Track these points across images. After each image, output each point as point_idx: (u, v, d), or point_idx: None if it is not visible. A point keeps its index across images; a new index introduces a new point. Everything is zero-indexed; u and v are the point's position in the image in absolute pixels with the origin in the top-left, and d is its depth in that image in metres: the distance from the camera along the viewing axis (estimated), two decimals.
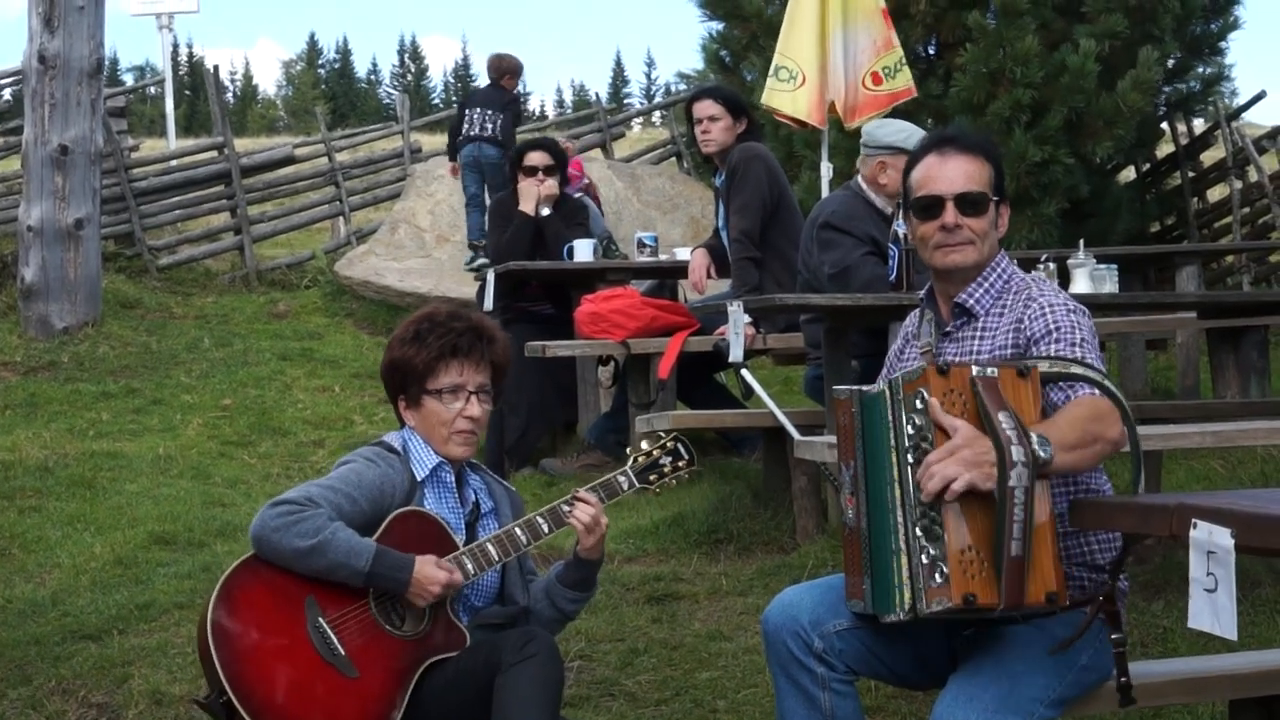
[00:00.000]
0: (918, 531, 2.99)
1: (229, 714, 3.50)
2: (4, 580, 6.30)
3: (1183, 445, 5.18)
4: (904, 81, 7.86)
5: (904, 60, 7.99)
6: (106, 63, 13.24)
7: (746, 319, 6.36)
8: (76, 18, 12.12)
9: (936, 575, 2.94)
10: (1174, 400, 7.14)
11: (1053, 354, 3.19)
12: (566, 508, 3.80)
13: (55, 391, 10.80)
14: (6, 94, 15.46)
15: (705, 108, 7.34)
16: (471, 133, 13.65)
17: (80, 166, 12.26)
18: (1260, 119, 14.65)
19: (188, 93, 29.04)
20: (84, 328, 12.15)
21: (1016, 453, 2.89)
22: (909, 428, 3.04)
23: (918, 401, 3.04)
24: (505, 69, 14.03)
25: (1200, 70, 12.22)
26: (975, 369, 3.06)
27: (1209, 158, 13.87)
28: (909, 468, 3.00)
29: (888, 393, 3.12)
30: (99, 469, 8.42)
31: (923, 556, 2.96)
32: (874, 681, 3.72)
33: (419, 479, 3.82)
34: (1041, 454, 2.89)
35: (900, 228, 5.47)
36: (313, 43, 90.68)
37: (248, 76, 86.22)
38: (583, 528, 3.72)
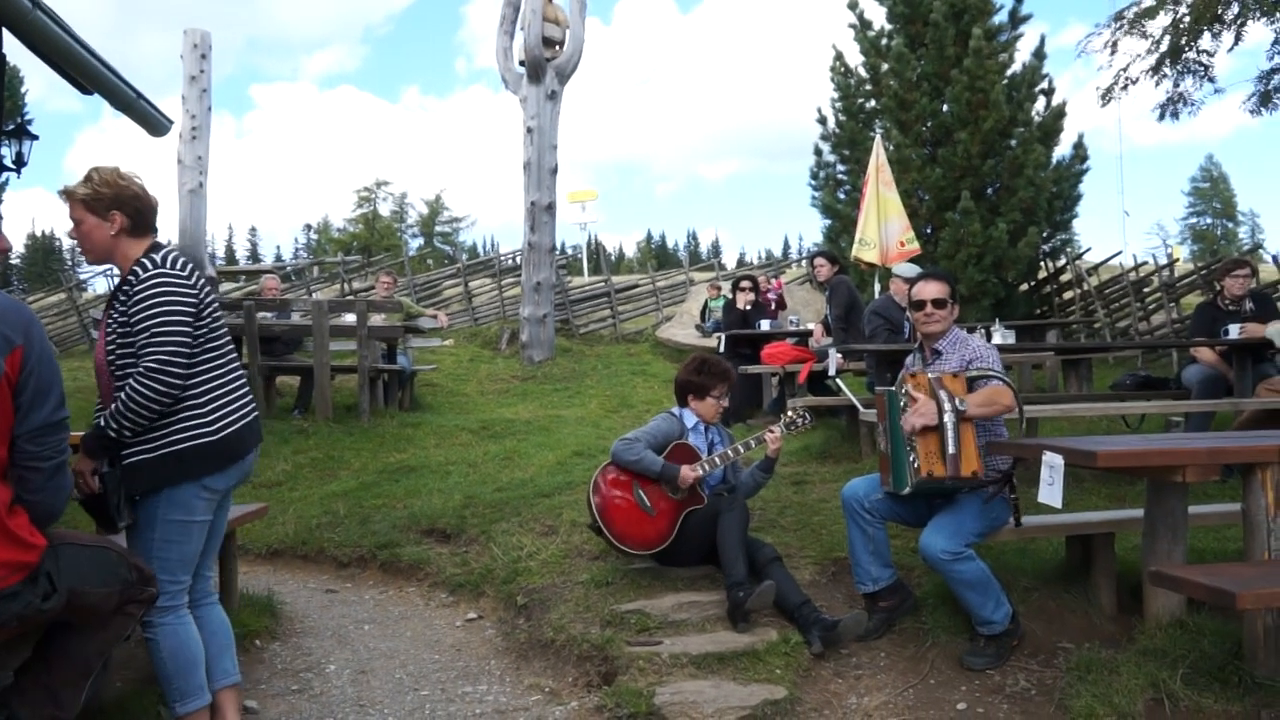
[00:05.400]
0: (908, 449, 3.48)
1: (599, 531, 4.22)
2: (509, 470, 7.09)
3: (1046, 415, 5.52)
4: (915, 245, 9.00)
5: (914, 235, 9.15)
6: (557, 244, 15.10)
7: (839, 356, 7.21)
8: (544, 225, 14.09)
9: (917, 465, 3.44)
10: (1044, 392, 7.60)
11: (978, 368, 3.66)
12: (762, 436, 4.36)
13: (534, 389, 12.42)
14: (516, 259, 18.01)
15: (820, 261, 8.61)
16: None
17: (545, 290, 14.13)
18: (1093, 258, 15.66)
19: (594, 255, 35.22)
20: (546, 361, 13.93)
21: (947, 405, 3.39)
22: (902, 402, 3.55)
23: (904, 390, 3.54)
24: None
25: (1059, 235, 13.76)
26: (930, 374, 3.55)
27: (1064, 279, 14.84)
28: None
29: (896, 388, 3.63)
30: (551, 422, 9.50)
31: (910, 459, 3.46)
32: (893, 523, 3.91)
33: (688, 428, 4.42)
34: (960, 406, 3.38)
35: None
36: (649, 235, 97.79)
37: (621, 248, 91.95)
38: (772, 444, 4.35)
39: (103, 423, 2.68)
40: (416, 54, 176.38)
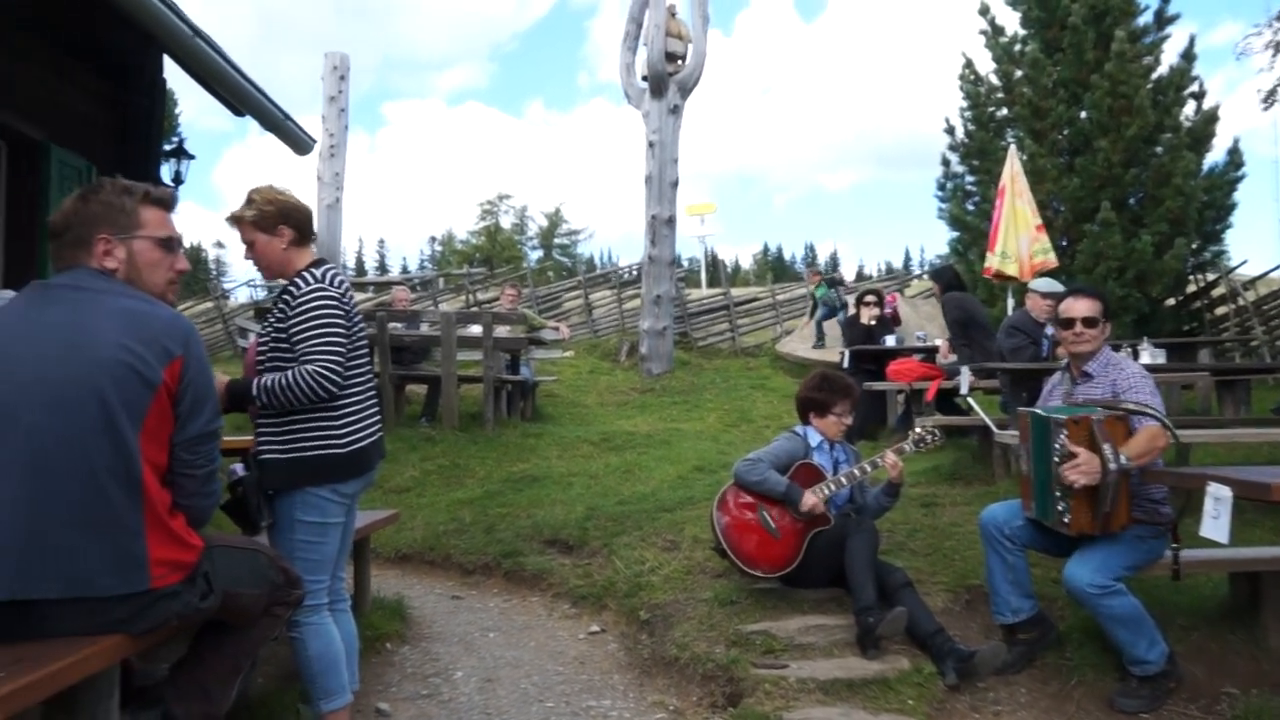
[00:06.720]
0: (1057, 494, 3.34)
1: (723, 554, 4.18)
2: (630, 483, 7.15)
3: (1202, 440, 5.23)
4: (1044, 257, 8.49)
5: (1049, 245, 8.62)
6: (676, 257, 15.20)
7: (970, 374, 6.95)
8: (665, 239, 14.23)
9: (1067, 520, 3.32)
10: (1195, 415, 7.11)
11: (1134, 400, 3.47)
12: (882, 460, 4.23)
13: (653, 401, 12.74)
14: (635, 272, 18.21)
15: (934, 282, 8.41)
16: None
17: (665, 303, 14.27)
18: (1248, 271, 14.76)
19: (710, 268, 35.04)
20: (665, 374, 14.09)
21: (1111, 464, 3.22)
22: (1056, 445, 3.37)
23: (1062, 434, 3.34)
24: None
25: (1210, 247, 12.55)
26: (1094, 417, 3.32)
27: (1215, 293, 13.84)
28: (1054, 464, 3.37)
29: (1047, 420, 3.43)
30: (671, 436, 9.55)
31: (1060, 509, 3.33)
32: (1034, 551, 3.76)
33: (812, 447, 4.34)
34: (1124, 463, 3.22)
35: (1050, 331, 5.95)
36: (765, 247, 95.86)
37: (737, 260, 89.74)
38: (892, 468, 4.22)
39: (254, 388, 2.80)
40: (541, 70, 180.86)
